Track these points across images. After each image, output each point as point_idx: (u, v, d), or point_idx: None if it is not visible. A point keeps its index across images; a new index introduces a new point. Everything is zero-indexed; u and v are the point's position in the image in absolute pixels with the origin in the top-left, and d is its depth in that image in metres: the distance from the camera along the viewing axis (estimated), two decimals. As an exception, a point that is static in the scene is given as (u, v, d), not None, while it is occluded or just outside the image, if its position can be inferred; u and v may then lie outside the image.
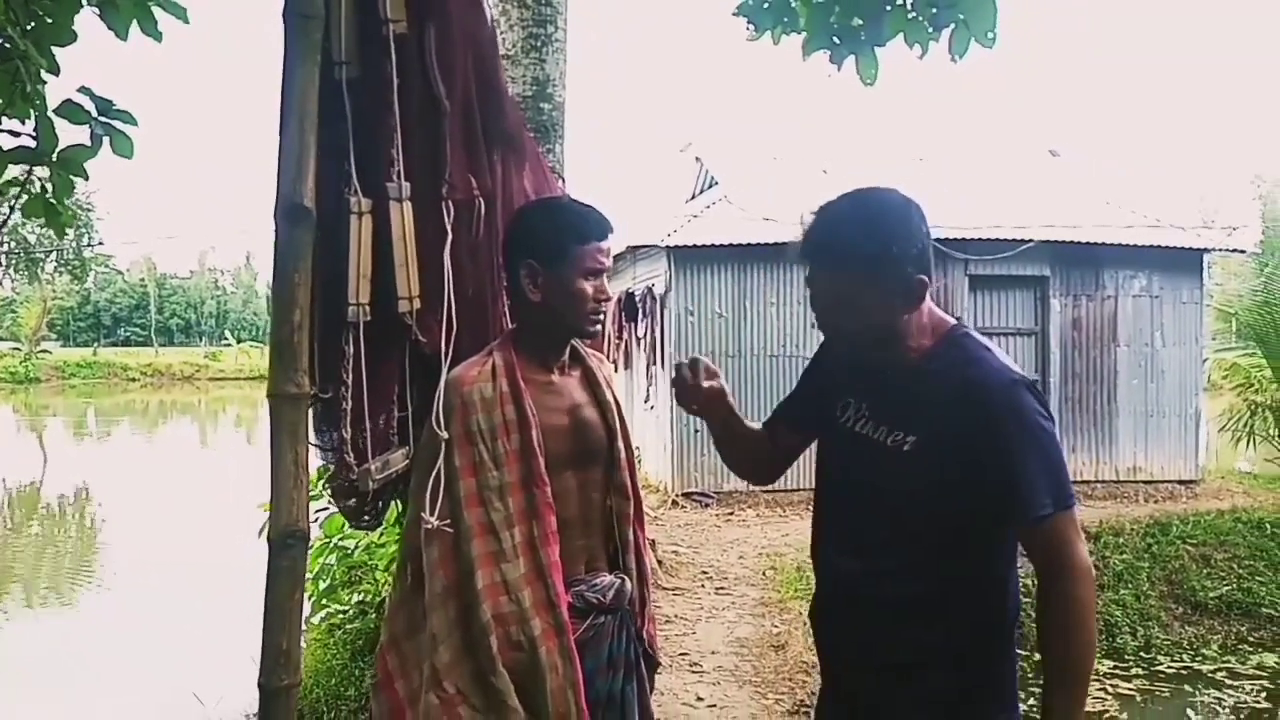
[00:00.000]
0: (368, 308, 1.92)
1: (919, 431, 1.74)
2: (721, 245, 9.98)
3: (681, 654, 5.34)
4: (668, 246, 10.12)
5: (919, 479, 1.74)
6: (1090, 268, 10.50)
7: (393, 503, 2.48)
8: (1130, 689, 7.02)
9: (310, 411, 2.10)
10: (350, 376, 1.92)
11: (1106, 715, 6.60)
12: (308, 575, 6.40)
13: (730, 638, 5.72)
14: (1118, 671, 7.31)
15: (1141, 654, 7.65)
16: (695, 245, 10.07)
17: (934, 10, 2.82)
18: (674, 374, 2.07)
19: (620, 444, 2.12)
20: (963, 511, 1.72)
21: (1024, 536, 1.73)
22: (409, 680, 1.97)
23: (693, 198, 13.70)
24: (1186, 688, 7.15)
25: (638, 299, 11.29)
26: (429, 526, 1.90)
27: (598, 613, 2.02)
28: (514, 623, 1.88)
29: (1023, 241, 10.02)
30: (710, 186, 12.83)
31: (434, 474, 1.91)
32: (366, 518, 2.60)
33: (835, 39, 2.95)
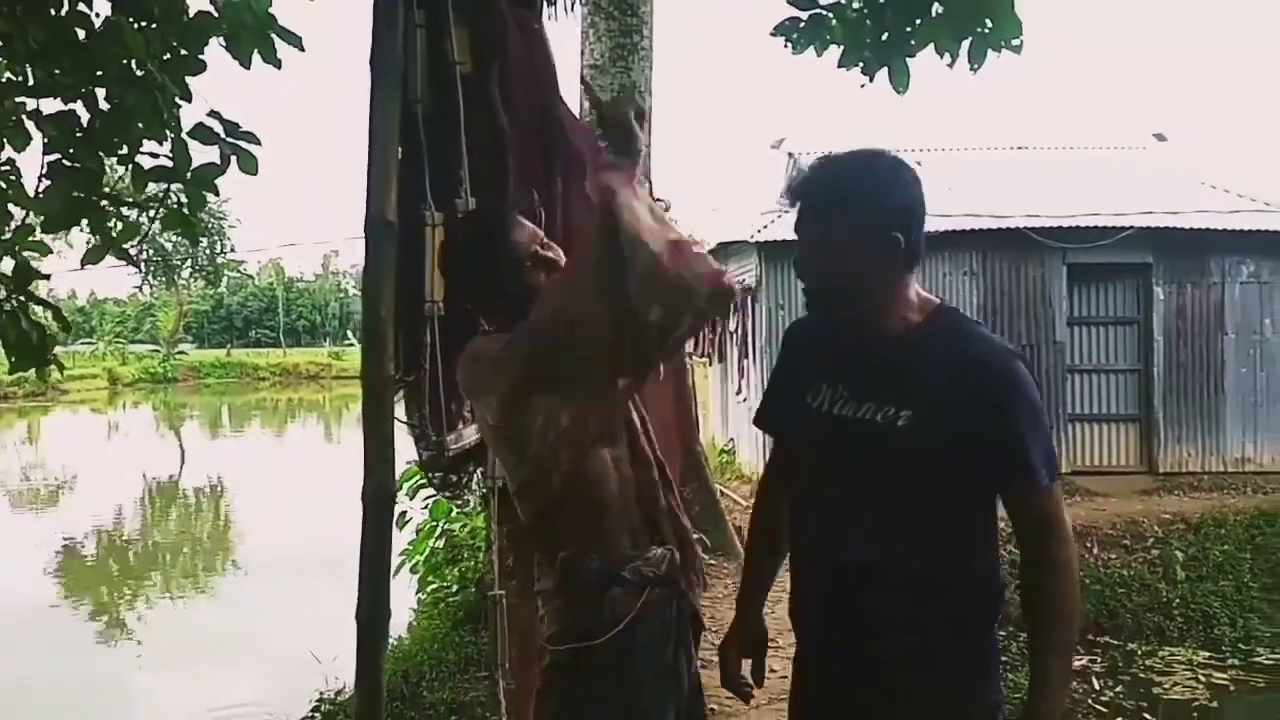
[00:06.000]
0: (441, 304, 2.28)
1: (914, 405, 1.71)
2: (811, 239, 10.11)
3: (759, 631, 5.58)
4: (758, 242, 10.34)
5: (915, 453, 1.71)
6: (1195, 254, 10.24)
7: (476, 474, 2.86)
8: (1224, 679, 6.94)
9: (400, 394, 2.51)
10: (428, 363, 2.29)
11: (1197, 704, 6.58)
12: (419, 556, 6.98)
13: (809, 617, 5.92)
14: (1212, 662, 7.22)
15: (1240, 645, 7.52)
16: (785, 240, 10.23)
17: (957, 23, 3.02)
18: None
19: (634, 415, 2.21)
20: (960, 484, 1.72)
21: (1017, 505, 1.73)
22: None
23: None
24: (1285, 680, 7.03)
25: (730, 294, 11.52)
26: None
27: (653, 586, 2.08)
28: None
29: (1122, 229, 9.86)
30: (803, 181, 12.95)
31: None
32: (453, 488, 3.00)
33: (867, 52, 3.18)
